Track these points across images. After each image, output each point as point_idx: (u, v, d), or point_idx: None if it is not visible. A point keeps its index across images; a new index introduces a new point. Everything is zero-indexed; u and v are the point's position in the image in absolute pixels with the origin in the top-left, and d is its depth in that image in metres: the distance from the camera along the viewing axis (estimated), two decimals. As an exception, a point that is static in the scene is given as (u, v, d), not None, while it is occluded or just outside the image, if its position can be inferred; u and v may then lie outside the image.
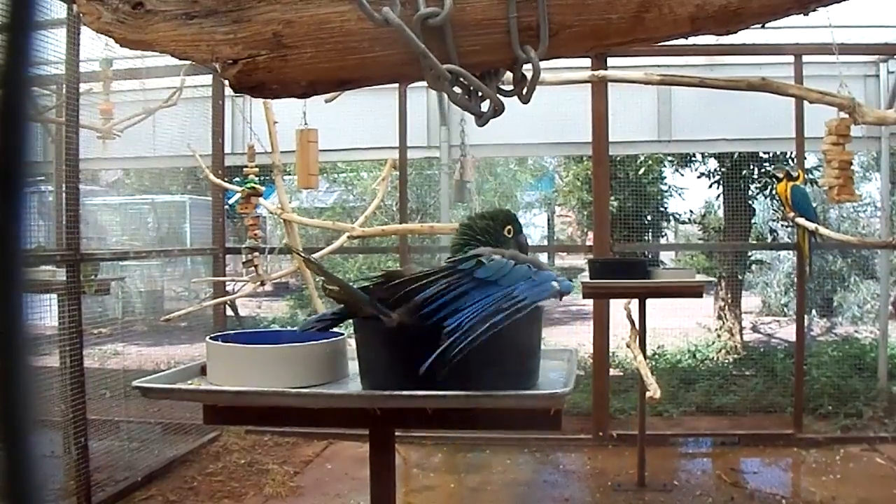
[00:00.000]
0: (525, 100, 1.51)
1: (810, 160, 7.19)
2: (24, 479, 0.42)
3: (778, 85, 3.88)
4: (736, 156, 7.66)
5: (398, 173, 5.68)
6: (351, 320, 1.72)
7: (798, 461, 5.07)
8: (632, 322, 4.51)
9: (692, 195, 9.64)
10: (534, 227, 15.31)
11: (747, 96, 4.68)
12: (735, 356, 7.85)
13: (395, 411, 1.69)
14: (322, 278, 1.69)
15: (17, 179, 0.42)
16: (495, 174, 11.66)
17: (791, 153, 5.92)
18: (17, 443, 0.42)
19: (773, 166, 5.48)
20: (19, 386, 0.42)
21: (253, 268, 4.86)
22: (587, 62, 5.20)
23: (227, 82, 1.55)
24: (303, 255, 1.77)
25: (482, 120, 1.50)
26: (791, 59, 5.36)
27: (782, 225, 8.36)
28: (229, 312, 5.87)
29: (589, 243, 6.72)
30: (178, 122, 5.57)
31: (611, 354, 5.78)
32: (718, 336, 8.18)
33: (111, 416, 4.90)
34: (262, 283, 5.06)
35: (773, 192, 6.24)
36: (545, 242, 16.14)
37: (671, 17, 1.39)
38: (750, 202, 8.29)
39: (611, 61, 5.29)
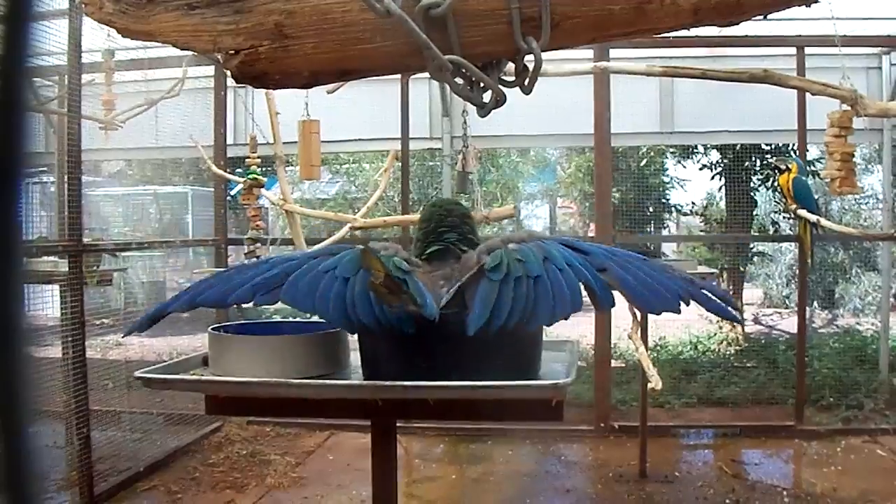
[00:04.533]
0: (527, 91, 1.51)
1: (812, 152, 7.18)
2: (22, 471, 0.42)
3: (780, 77, 3.86)
4: (738, 147, 7.64)
5: (400, 164, 5.68)
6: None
7: (799, 453, 5.08)
8: (633, 313, 4.50)
9: (694, 187, 9.63)
10: (536, 219, 15.26)
11: (749, 88, 4.66)
12: (736, 348, 7.85)
13: (397, 402, 1.68)
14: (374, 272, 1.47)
15: (15, 169, 0.42)
16: (497, 165, 11.63)
17: (793, 145, 5.90)
18: (15, 434, 0.42)
19: (774, 158, 5.46)
20: (17, 377, 0.42)
21: (255, 259, 4.87)
22: (589, 53, 5.18)
23: (229, 73, 1.55)
24: (369, 249, 1.48)
25: (484, 111, 1.50)
26: (793, 50, 5.34)
27: (784, 217, 8.35)
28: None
29: (591, 234, 6.70)
30: (181, 113, 5.57)
31: (612, 346, 5.78)
32: (720, 327, 8.17)
33: (113, 406, 4.91)
34: (264, 275, 5.06)
35: (775, 183, 6.23)
36: (547, 233, 16.14)
37: (673, 8, 1.39)
38: (752, 194, 8.27)
39: (613, 52, 5.27)
